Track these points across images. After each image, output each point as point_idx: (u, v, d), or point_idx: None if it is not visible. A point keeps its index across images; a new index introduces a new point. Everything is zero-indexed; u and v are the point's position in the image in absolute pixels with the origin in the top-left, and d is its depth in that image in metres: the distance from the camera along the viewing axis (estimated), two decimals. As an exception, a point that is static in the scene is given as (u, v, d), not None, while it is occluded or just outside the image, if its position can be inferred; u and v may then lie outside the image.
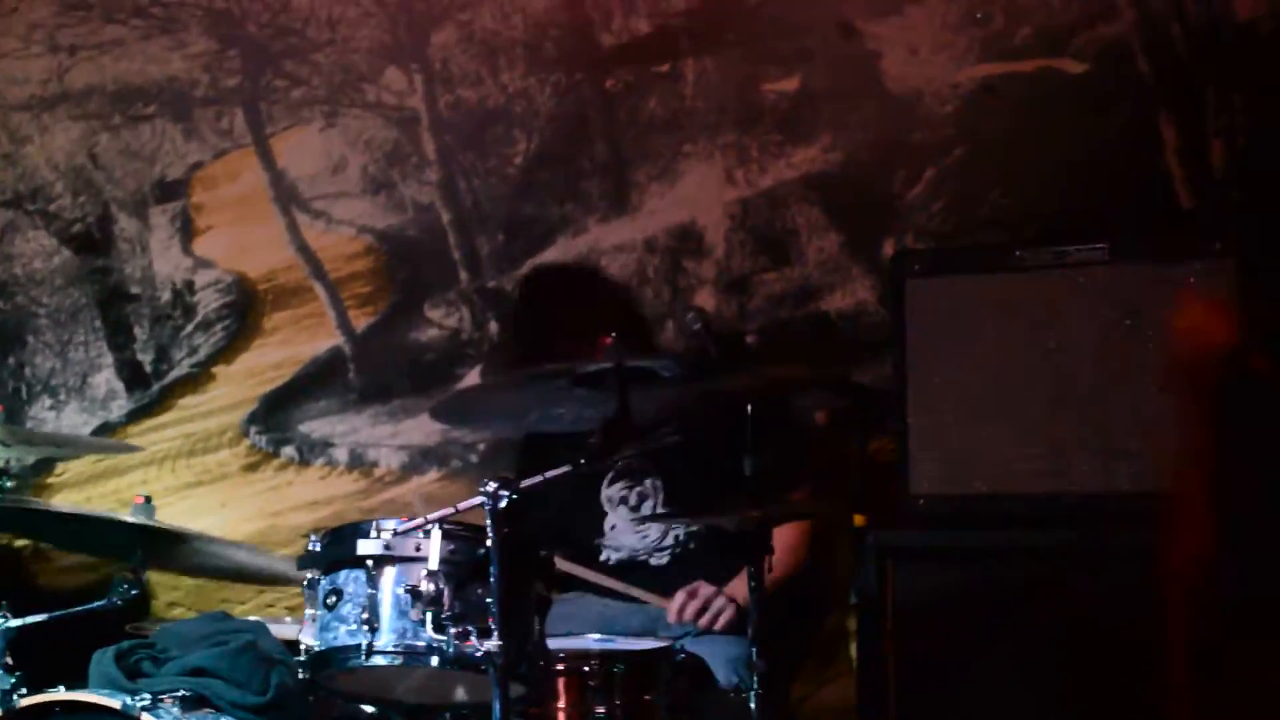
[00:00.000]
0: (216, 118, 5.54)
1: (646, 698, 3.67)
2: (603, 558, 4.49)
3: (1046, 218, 4.62)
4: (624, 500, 4.50)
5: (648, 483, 4.48)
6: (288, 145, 5.47)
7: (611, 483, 4.50)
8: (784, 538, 4.07)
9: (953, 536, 4.04)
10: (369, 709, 3.68)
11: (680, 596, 4.15)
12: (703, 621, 4.10)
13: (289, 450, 5.45)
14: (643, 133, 5.09)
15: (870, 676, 4.10)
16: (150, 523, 3.74)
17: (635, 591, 4.30)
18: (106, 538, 4.01)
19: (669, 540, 4.43)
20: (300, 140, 5.46)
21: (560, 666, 3.60)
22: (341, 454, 5.38)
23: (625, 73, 5.10)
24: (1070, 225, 4.52)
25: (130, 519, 3.76)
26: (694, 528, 4.41)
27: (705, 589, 4.14)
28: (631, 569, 4.44)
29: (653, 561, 4.45)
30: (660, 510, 4.46)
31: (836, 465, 4.57)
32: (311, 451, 5.42)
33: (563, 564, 4.27)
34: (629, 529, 4.47)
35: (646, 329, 4.83)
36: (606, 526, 4.50)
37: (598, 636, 4.03)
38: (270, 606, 5.35)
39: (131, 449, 5.21)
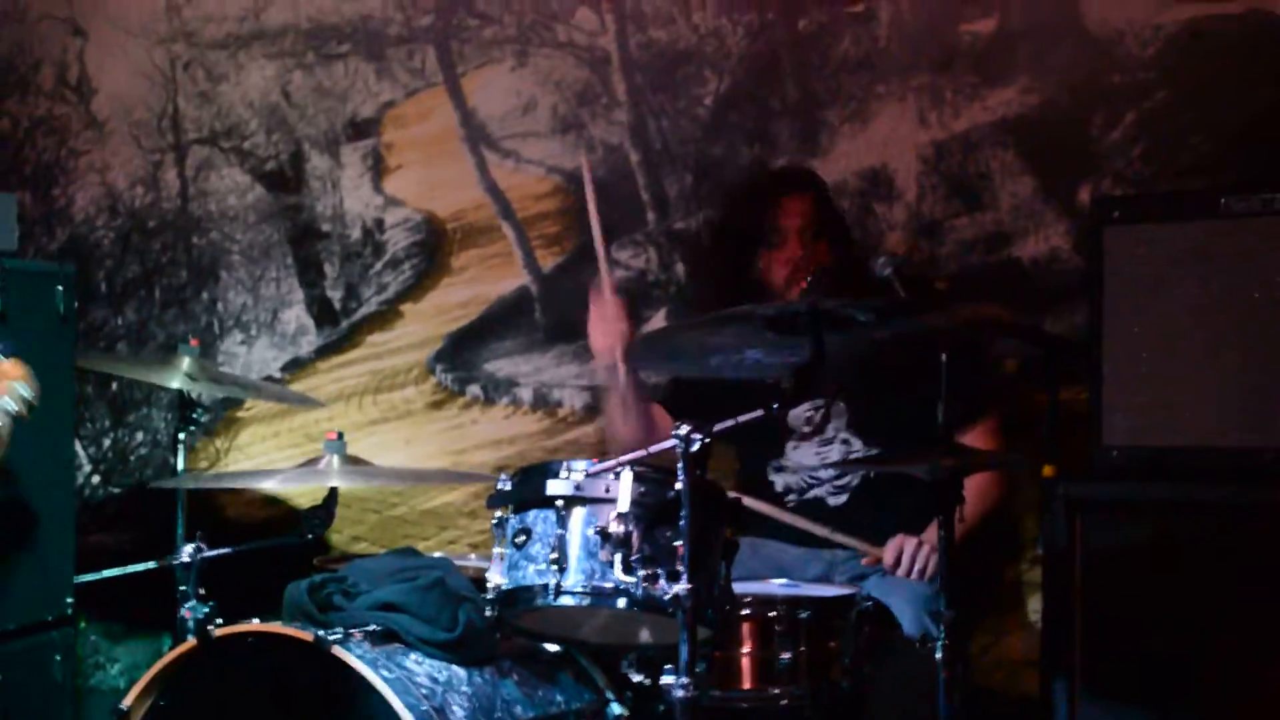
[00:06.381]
0: (409, 56, 5.56)
1: (831, 644, 3.64)
2: (779, 487, 4.46)
3: (1250, 164, 4.49)
4: (809, 420, 4.46)
5: (837, 404, 4.43)
6: (478, 84, 5.48)
7: None
8: (976, 485, 4.01)
9: (1145, 489, 3.96)
10: (553, 648, 3.70)
11: (894, 546, 4.11)
12: (913, 574, 4.07)
13: (474, 389, 5.48)
14: (834, 74, 5.02)
15: (1055, 631, 4.03)
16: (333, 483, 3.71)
17: (840, 537, 4.26)
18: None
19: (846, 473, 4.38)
20: (491, 79, 5.47)
21: (746, 611, 3.59)
22: (526, 393, 5.40)
23: (818, 13, 5.02)
24: (1276, 172, 4.40)
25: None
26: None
27: (910, 542, 4.10)
28: (808, 509, 4.40)
29: (830, 501, 4.42)
30: (844, 433, 4.42)
31: (1026, 415, 4.50)
32: (496, 390, 5.44)
33: (758, 505, 4.26)
34: (809, 450, 4.44)
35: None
36: (788, 446, 4.46)
37: (782, 582, 4.02)
38: (452, 544, 5.41)
39: (313, 403, 5.28)
